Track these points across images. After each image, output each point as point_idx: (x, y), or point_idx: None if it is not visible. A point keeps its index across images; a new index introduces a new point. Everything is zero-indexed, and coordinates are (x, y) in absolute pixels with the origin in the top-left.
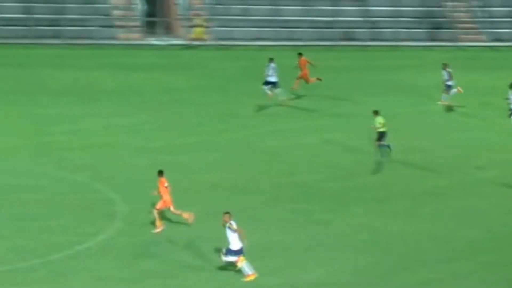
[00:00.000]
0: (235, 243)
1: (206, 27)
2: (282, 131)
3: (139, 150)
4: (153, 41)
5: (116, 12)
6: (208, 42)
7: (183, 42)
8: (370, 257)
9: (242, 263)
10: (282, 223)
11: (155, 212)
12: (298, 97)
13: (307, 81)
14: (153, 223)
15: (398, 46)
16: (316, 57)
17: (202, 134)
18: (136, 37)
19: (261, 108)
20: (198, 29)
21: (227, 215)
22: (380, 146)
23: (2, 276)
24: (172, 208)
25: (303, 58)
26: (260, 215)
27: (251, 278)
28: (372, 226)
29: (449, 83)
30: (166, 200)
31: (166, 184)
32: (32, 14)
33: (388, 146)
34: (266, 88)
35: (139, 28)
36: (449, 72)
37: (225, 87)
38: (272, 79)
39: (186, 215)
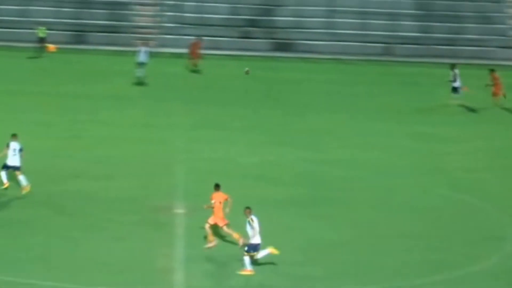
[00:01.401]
0: (255, 237)
1: None
2: None
3: None
4: None
5: None
6: None
7: None
8: None
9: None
10: None
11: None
12: None
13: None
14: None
15: None
16: None
17: None
18: None
19: None
20: None
21: (247, 210)
22: None
23: None
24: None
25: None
26: None
27: (248, 273)
28: None
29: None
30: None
31: (213, 201)
32: (430, 33)
33: None
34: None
35: None
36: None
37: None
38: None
39: (236, 236)
